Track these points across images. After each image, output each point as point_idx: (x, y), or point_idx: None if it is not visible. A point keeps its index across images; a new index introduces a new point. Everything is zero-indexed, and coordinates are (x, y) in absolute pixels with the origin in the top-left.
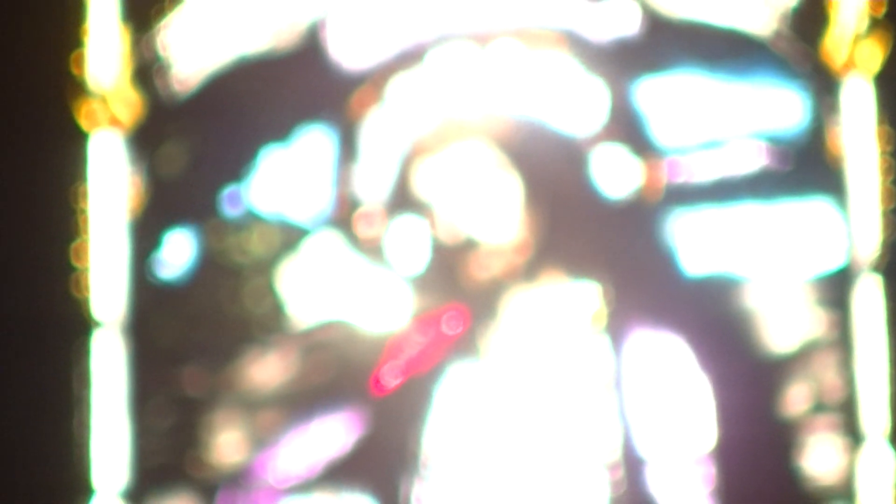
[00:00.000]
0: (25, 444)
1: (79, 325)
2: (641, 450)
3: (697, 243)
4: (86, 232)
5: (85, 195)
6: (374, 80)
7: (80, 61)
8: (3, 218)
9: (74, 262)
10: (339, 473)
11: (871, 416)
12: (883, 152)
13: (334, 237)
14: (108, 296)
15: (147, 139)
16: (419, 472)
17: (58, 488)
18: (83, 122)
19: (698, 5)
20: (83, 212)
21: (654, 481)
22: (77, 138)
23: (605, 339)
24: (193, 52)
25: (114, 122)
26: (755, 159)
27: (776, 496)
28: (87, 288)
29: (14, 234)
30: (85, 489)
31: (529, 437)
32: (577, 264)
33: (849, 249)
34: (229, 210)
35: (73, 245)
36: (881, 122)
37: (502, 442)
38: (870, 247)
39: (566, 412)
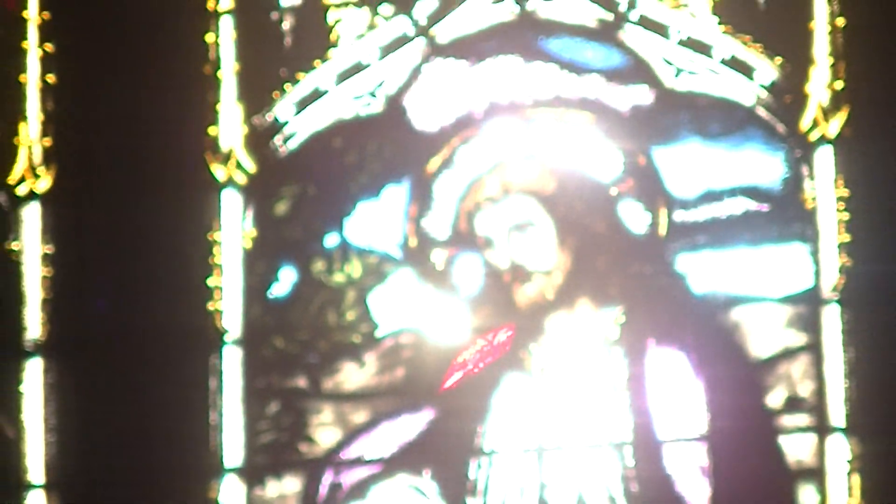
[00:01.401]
0: (168, 432)
1: (209, 335)
2: (649, 437)
3: (697, 272)
4: (216, 262)
5: (215, 233)
6: (441, 142)
7: (210, 130)
8: (153, 255)
9: (207, 287)
10: (411, 457)
11: (835, 412)
12: (840, 201)
13: (409, 265)
14: (231, 311)
15: (261, 189)
16: (478, 459)
17: (193, 470)
18: (213, 178)
19: (696, 82)
20: (213, 246)
21: (659, 463)
22: (208, 190)
23: (621, 349)
24: (298, 118)
25: (235, 176)
26: (743, 206)
27: (759, 476)
28: (216, 306)
29: (161, 266)
30: (215, 470)
31: (564, 428)
32: (601, 288)
33: (816, 275)
34: (328, 243)
35: (206, 273)
36: (838, 177)
37: (544, 433)
38: (832, 274)
39: (592, 408)
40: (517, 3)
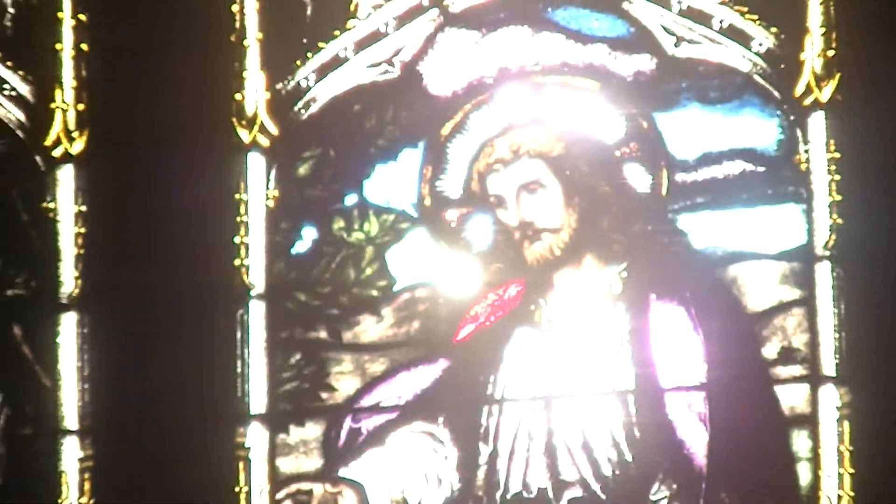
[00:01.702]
0: (197, 381)
1: (236, 290)
2: (651, 386)
3: (697, 230)
4: (241, 221)
5: (241, 194)
6: (455, 107)
7: (236, 96)
8: (182, 214)
9: (234, 244)
10: (426, 405)
11: (827, 362)
12: (831, 163)
13: (424, 223)
14: (255, 267)
15: (284, 151)
16: (489, 407)
17: (220, 416)
18: (239, 141)
19: (695, 50)
20: (239, 206)
21: (661, 410)
22: (235, 152)
23: (624, 303)
24: (319, 85)
25: (259, 140)
26: (740, 168)
27: (754, 423)
28: (242, 262)
29: (190, 224)
30: (241, 416)
31: (571, 377)
32: (605, 245)
33: (809, 233)
34: (347, 203)
35: (233, 231)
36: (830, 140)
37: (551, 382)
38: (824, 232)
39: (596, 358)
40: None
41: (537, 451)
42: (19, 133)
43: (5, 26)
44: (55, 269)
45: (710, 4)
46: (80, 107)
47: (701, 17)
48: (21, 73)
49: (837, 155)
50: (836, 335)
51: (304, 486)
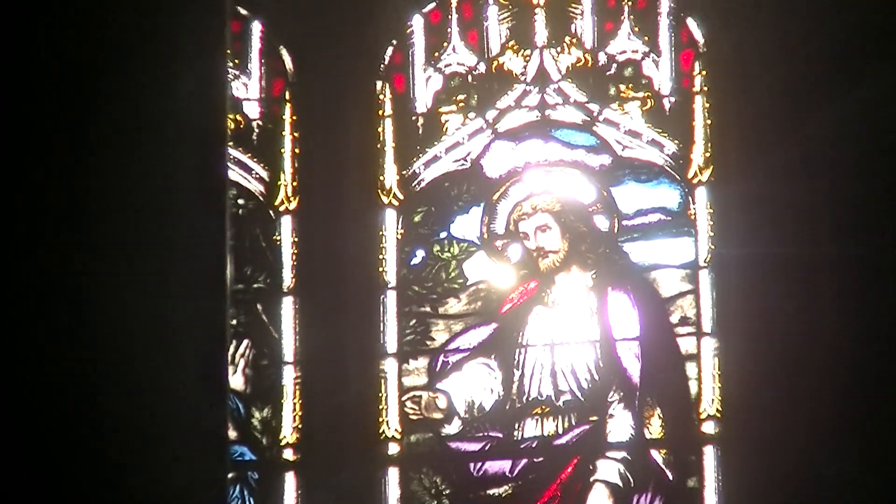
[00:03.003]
0: (361, 335)
1: (380, 284)
2: (608, 337)
3: (633, 252)
4: (382, 246)
5: (382, 231)
6: (500, 184)
7: (381, 176)
8: (350, 240)
9: (379, 259)
10: (485, 348)
11: (707, 324)
12: (708, 215)
13: (483, 248)
14: (390, 272)
15: (406, 208)
16: (520, 350)
17: (371, 354)
18: (381, 201)
19: (634, 153)
20: (382, 238)
21: (613, 353)
22: (379, 208)
23: (594, 292)
24: (426, 171)
25: (392, 201)
26: (657, 217)
27: (667, 359)
28: (384, 268)
29: (354, 250)
30: (382, 352)
31: (565, 333)
32: (584, 260)
33: (696, 254)
34: (441, 236)
35: (378, 252)
36: (708, 202)
37: (554, 335)
38: (704, 253)
39: (579, 322)
40: (539, 112)
41: (545, 375)
42: (260, 197)
43: (253, 138)
44: (280, 272)
45: (642, 127)
46: (294, 184)
47: (636, 134)
48: (261, 164)
49: (712, 210)
50: (712, 310)
51: (417, 393)
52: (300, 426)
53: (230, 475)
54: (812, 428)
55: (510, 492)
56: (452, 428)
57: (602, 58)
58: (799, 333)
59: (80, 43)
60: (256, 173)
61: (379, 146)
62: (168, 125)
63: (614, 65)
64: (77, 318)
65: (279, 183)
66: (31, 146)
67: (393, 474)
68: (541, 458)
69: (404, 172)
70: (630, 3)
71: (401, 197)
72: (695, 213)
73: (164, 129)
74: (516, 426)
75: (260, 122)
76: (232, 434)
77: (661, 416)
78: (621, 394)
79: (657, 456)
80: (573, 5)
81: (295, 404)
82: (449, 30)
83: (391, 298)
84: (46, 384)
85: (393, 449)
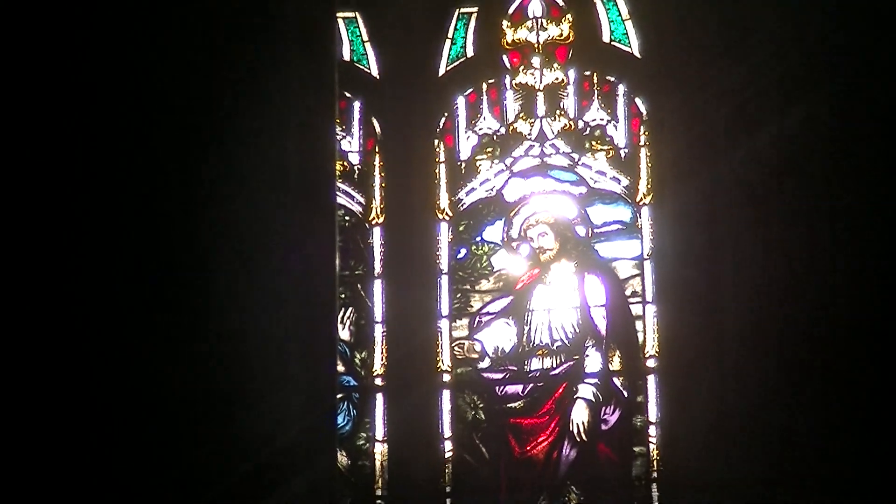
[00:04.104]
0: (422, 301)
1: (437, 271)
2: (585, 305)
3: (603, 250)
4: (439, 246)
5: (438, 236)
6: (515, 204)
7: (437, 199)
8: (415, 249)
9: (437, 255)
10: (505, 312)
11: (647, 295)
12: (651, 226)
13: (503, 247)
14: (444, 262)
15: (453, 221)
16: (528, 313)
17: (430, 315)
18: (437, 217)
19: (601, 185)
20: (437, 242)
21: (589, 315)
22: (435, 221)
23: (576, 276)
24: (465, 197)
25: (444, 217)
26: (616, 228)
27: (624, 316)
28: (439, 260)
29: (419, 255)
30: (437, 314)
31: (557, 300)
32: (569, 254)
33: (641, 250)
34: (476, 240)
35: (435, 249)
36: (649, 218)
37: (550, 302)
38: (647, 249)
39: (567, 294)
40: (540, 158)
41: (545, 329)
42: (359, 215)
43: (354, 177)
44: (372, 263)
45: (607, 168)
46: (381, 206)
47: (603, 173)
48: (360, 193)
49: (651, 222)
50: (652, 287)
51: (461, 342)
52: (385, 363)
53: (339, 395)
54: (720, 359)
55: (522, 405)
56: (485, 364)
57: (581, 124)
58: (709, 302)
59: (228, 111)
60: (357, 199)
61: (436, 182)
62: (298, 169)
63: (588, 128)
64: (216, 295)
65: (371, 206)
66: (200, 187)
67: (446, 395)
68: (542, 384)
69: (453, 199)
70: (598, 88)
71: (450, 214)
72: (641, 224)
73: (295, 172)
74: (525, 363)
75: (359, 167)
76: (340, 368)
77: (619, 355)
78: (594, 342)
79: (617, 381)
80: (561, 90)
81: (382, 349)
82: (481, 106)
83: (444, 280)
84: (188, 350)
85: (446, 378)
